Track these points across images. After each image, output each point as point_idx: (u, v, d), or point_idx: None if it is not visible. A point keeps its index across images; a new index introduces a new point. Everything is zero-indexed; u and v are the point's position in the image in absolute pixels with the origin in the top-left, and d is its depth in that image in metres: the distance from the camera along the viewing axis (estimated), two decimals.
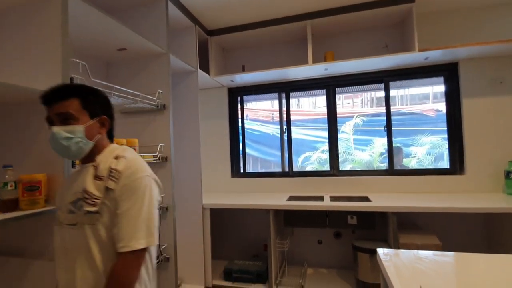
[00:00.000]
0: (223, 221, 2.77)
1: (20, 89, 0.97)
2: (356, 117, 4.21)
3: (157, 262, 1.69)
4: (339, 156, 2.67)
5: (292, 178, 2.67)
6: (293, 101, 3.86)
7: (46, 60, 1.09)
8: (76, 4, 1.20)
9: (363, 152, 4.43)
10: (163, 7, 1.82)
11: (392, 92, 3.31)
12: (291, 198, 2.38)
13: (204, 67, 2.46)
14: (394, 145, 2.54)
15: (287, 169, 2.79)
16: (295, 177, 2.67)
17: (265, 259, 2.20)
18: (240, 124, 2.95)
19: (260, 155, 4.07)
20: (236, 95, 2.94)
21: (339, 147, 2.69)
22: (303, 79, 2.68)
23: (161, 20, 1.82)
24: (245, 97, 2.98)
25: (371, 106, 4.86)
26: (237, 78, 2.58)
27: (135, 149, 1.58)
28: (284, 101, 2.83)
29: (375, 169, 2.89)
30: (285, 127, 2.82)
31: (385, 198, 2.12)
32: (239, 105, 2.96)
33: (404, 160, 3.56)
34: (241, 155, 2.94)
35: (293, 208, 2.04)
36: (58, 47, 1.08)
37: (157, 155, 1.73)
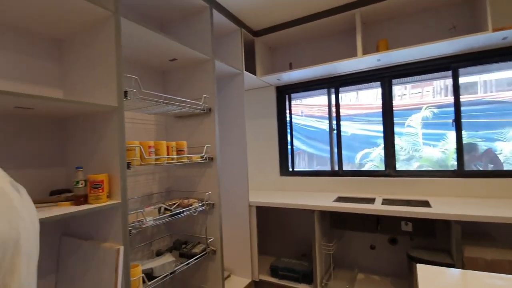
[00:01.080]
0: (271, 218, 2.83)
1: (86, 104, 1.17)
2: (426, 108, 3.73)
3: (204, 255, 1.84)
4: (404, 153, 2.43)
5: (342, 178, 2.55)
6: (352, 94, 3.64)
7: (104, 77, 1.29)
8: (131, 25, 1.38)
9: (435, 148, 3.91)
10: (208, 16, 1.93)
11: (472, 78, 2.84)
12: (339, 199, 2.28)
13: (251, 68, 2.53)
14: (467, 140, 2.19)
15: (336, 168, 2.67)
16: (345, 177, 2.54)
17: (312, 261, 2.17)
18: (288, 123, 2.94)
19: (316, 152, 3.97)
20: (284, 93, 2.93)
21: (399, 144, 2.44)
22: (353, 73, 2.51)
23: (206, 29, 1.94)
24: (297, 94, 2.95)
25: (445, 96, 4.24)
26: (284, 76, 2.58)
27: (183, 151, 1.74)
28: (333, 96, 2.70)
29: (439, 169, 2.53)
30: (334, 123, 2.70)
31: (449, 203, 1.85)
32: (287, 103, 2.95)
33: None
34: (289, 154, 2.93)
35: (339, 210, 1.96)
36: (113, 65, 1.27)
37: (204, 156, 1.87)
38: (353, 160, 3.69)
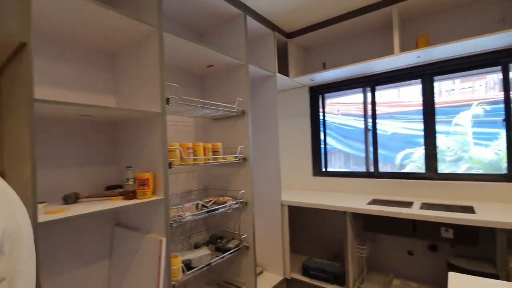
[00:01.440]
0: (302, 218, 2.85)
1: (134, 111, 1.33)
2: (477, 105, 3.43)
3: (237, 250, 1.94)
4: (451, 154, 2.29)
5: (378, 180, 2.47)
6: (393, 91, 3.48)
7: (149, 86, 1.44)
8: (172, 38, 1.52)
9: (487, 148, 3.57)
10: (242, 22, 2.02)
11: None
12: (374, 202, 2.23)
13: (284, 69, 2.57)
14: None
15: (372, 169, 2.60)
16: (381, 179, 2.47)
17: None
18: (322, 122, 2.93)
19: (352, 151, 3.87)
20: (317, 93, 2.92)
21: (445, 144, 2.30)
22: (390, 71, 2.42)
23: (240, 35, 2.03)
24: (331, 94, 2.92)
25: (500, 91, 3.84)
26: (317, 77, 2.57)
27: (218, 152, 1.86)
28: (369, 94, 2.62)
29: (486, 173, 2.32)
30: (370, 123, 2.63)
31: (496, 210, 1.71)
32: (320, 102, 2.93)
33: None
34: (322, 154, 2.92)
35: (372, 212, 1.92)
36: (157, 75, 1.41)
37: (238, 156, 1.97)
38: (393, 161, 3.53)
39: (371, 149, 2.63)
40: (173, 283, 1.47)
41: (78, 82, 1.50)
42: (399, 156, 3.78)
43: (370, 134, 2.63)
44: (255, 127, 2.50)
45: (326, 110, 2.93)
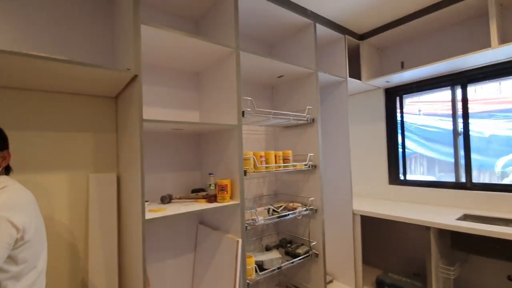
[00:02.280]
0: (377, 229, 2.67)
1: (215, 125, 1.50)
2: None
3: (307, 256, 1.97)
4: None
5: (471, 192, 2.15)
6: (492, 85, 2.98)
7: (228, 101, 1.60)
8: (247, 55, 1.65)
9: None
10: (312, 31, 2.04)
11: None
12: (466, 217, 1.95)
13: (355, 72, 2.48)
14: None
15: (463, 179, 2.27)
16: (475, 190, 2.14)
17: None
18: (399, 125, 2.70)
19: (438, 156, 3.45)
20: (394, 95, 2.71)
21: None
22: (486, 65, 2.08)
23: (310, 43, 2.06)
24: (411, 95, 2.67)
25: None
26: (395, 78, 2.39)
27: (288, 159, 1.92)
28: (458, 91, 2.30)
29: None
30: (461, 124, 2.30)
31: None
32: (398, 104, 2.71)
33: None
34: (400, 159, 2.69)
35: (464, 230, 1.69)
36: (234, 91, 1.56)
37: (307, 164, 1.99)
38: (492, 168, 3.00)
39: (462, 153, 2.30)
40: (248, 281, 1.59)
41: (171, 101, 1.77)
42: (500, 163, 3.17)
43: (460, 136, 2.30)
44: (325, 133, 2.48)
45: (404, 111, 2.69)
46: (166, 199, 1.55)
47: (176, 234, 1.77)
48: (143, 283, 1.18)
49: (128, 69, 1.21)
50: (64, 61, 1.03)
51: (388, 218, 2.05)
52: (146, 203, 1.48)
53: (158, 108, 1.73)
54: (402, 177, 2.67)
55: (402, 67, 2.52)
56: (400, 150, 2.69)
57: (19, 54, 0.95)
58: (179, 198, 1.62)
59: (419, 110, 3.31)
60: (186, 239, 1.81)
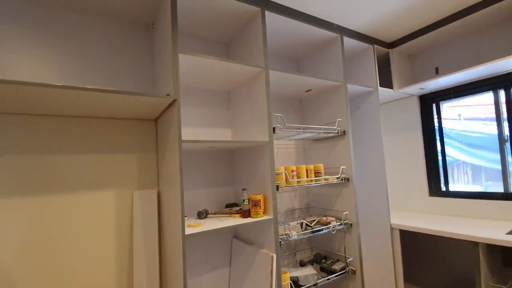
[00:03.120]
0: (418, 244, 2.51)
1: (246, 142, 1.55)
2: None
3: (343, 273, 1.91)
4: None
5: None
6: None
7: (258, 118, 1.66)
8: (276, 74, 1.70)
9: None
10: (338, 44, 2.05)
11: None
12: None
13: (386, 81, 2.42)
14: None
15: None
16: None
17: None
18: (438, 134, 2.56)
19: (484, 164, 3.19)
20: (430, 102, 2.59)
21: None
22: None
23: (337, 56, 2.06)
24: (449, 101, 2.55)
25: None
26: (429, 84, 2.30)
27: (320, 173, 1.91)
28: (502, 92, 2.14)
29: None
30: (507, 129, 2.13)
31: None
32: (434, 110, 2.58)
33: None
34: (441, 169, 2.53)
35: None
36: (264, 108, 1.61)
37: (340, 176, 1.97)
38: None
39: (510, 160, 2.12)
40: None
41: (205, 120, 1.87)
42: None
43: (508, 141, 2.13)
44: (357, 145, 2.43)
45: (442, 116, 2.55)
46: (202, 214, 1.62)
47: (212, 248, 1.83)
48: None
49: (168, 95, 1.32)
50: (115, 92, 1.16)
51: (431, 233, 1.94)
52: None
53: (193, 127, 1.83)
54: (444, 188, 2.51)
55: (437, 72, 2.42)
56: (440, 158, 2.54)
57: (79, 88, 1.09)
58: (215, 213, 1.68)
59: (459, 115, 3.11)
60: (221, 253, 1.86)
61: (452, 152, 2.57)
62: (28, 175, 1.38)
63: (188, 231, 1.32)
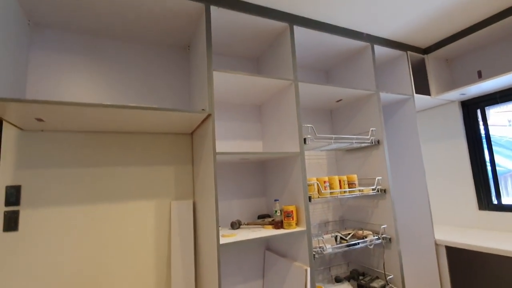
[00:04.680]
0: (469, 263, 2.28)
1: (278, 154, 1.58)
2: None
3: None
4: None
5: None
6: None
7: (289, 129, 1.68)
8: (305, 85, 1.73)
9: None
10: (369, 53, 2.03)
11: None
12: None
13: (422, 88, 2.32)
14: None
15: None
16: None
17: None
18: (485, 142, 2.36)
19: None
20: (474, 108, 2.42)
21: None
22: None
23: (368, 65, 2.04)
24: (495, 106, 2.36)
25: None
26: (472, 89, 2.16)
27: (353, 184, 1.86)
28: None
29: None
30: None
31: None
32: (479, 117, 2.40)
33: None
34: (491, 180, 2.31)
35: None
36: (295, 120, 1.63)
37: (375, 188, 1.89)
38: None
39: None
40: None
41: (236, 133, 1.94)
42: None
43: None
44: (393, 154, 2.33)
45: (489, 123, 2.36)
46: (235, 225, 1.65)
47: (245, 259, 1.84)
48: None
49: (203, 110, 1.40)
50: (156, 109, 1.26)
51: (485, 251, 1.76)
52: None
53: (226, 140, 1.90)
54: (495, 201, 2.28)
55: (480, 76, 2.27)
56: (490, 168, 2.33)
57: (126, 107, 1.21)
58: (247, 224, 1.70)
59: (509, 121, 2.86)
60: (254, 265, 1.86)
61: (503, 161, 2.34)
62: (80, 186, 1.53)
63: (223, 240, 1.35)
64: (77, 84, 1.60)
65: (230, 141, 1.91)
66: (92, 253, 1.51)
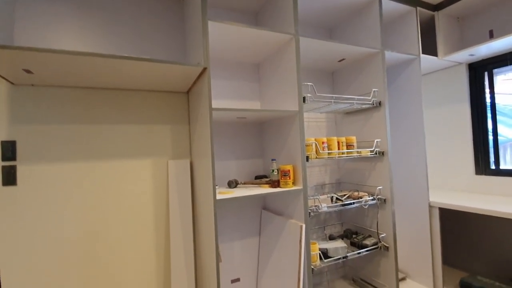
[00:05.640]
0: (459, 225, 2.35)
1: (276, 112, 1.54)
2: None
3: (375, 248, 1.86)
4: None
5: None
6: None
7: (288, 88, 1.62)
8: (306, 41, 1.63)
9: None
10: (376, 8, 1.89)
11: None
12: None
13: (429, 48, 2.21)
14: None
15: None
16: None
17: None
18: (490, 106, 2.30)
19: None
20: (481, 71, 2.32)
21: None
22: None
23: (374, 21, 1.92)
24: (504, 68, 2.25)
25: None
26: (482, 49, 2.05)
27: (352, 145, 1.84)
28: None
29: None
30: None
31: None
32: (486, 81, 2.31)
33: None
34: (491, 147, 2.30)
35: None
36: (294, 77, 1.57)
37: (374, 150, 1.88)
38: None
39: None
40: (312, 267, 1.60)
41: (234, 93, 1.88)
42: None
43: None
44: (394, 118, 2.28)
45: (496, 90, 2.28)
46: (232, 184, 1.67)
47: (242, 218, 1.89)
48: (216, 255, 1.30)
49: (199, 63, 1.33)
50: (149, 60, 1.20)
51: (475, 211, 1.79)
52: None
53: (223, 99, 1.85)
54: (493, 167, 2.29)
55: (491, 36, 2.15)
56: (491, 137, 2.30)
57: (118, 57, 1.15)
58: (244, 183, 1.72)
59: None
60: (251, 223, 1.91)
61: (505, 131, 2.31)
62: (76, 142, 1.52)
63: (219, 197, 1.37)
64: (67, 34, 1.51)
65: (227, 100, 1.86)
66: (91, 210, 1.54)
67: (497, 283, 1.87)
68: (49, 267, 1.45)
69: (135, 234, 1.63)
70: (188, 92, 1.77)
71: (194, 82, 1.57)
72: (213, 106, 1.81)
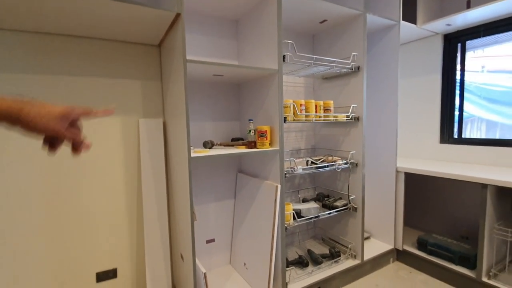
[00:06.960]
0: (421, 189, 2.53)
1: (255, 69, 1.47)
2: None
3: (345, 209, 1.95)
4: None
5: None
6: None
7: (268, 45, 1.54)
8: None
9: None
10: None
11: None
12: None
13: (410, 16, 2.20)
14: None
15: None
16: None
17: (477, 244, 1.84)
18: (459, 81, 2.40)
19: (502, 120, 3.04)
20: (455, 42, 2.38)
21: None
22: None
23: None
24: (477, 41, 2.31)
25: None
26: (458, 18, 2.08)
27: (329, 109, 1.84)
28: None
29: None
30: None
31: None
32: (459, 54, 2.38)
33: None
34: (456, 121, 2.42)
35: None
36: (275, 34, 1.49)
37: (350, 115, 1.90)
38: None
39: None
40: (286, 226, 1.65)
41: (210, 50, 1.77)
42: None
43: None
44: (371, 85, 2.31)
45: (465, 67, 2.36)
46: (208, 144, 1.62)
47: (217, 181, 1.87)
48: (190, 213, 1.28)
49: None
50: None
51: (436, 175, 1.92)
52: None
53: (198, 57, 1.73)
54: (456, 136, 2.44)
55: (468, 6, 2.17)
56: (457, 112, 2.41)
57: None
58: (220, 144, 1.67)
59: (483, 67, 2.89)
60: (226, 186, 1.91)
61: (468, 106, 2.43)
62: (36, 94, 1.36)
63: (194, 155, 1.32)
64: None
65: (202, 58, 1.75)
66: (55, 172, 1.43)
67: (449, 240, 2.07)
68: (17, 229, 1.35)
69: (105, 196, 1.56)
70: (160, 45, 1.63)
71: (167, 33, 1.44)
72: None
